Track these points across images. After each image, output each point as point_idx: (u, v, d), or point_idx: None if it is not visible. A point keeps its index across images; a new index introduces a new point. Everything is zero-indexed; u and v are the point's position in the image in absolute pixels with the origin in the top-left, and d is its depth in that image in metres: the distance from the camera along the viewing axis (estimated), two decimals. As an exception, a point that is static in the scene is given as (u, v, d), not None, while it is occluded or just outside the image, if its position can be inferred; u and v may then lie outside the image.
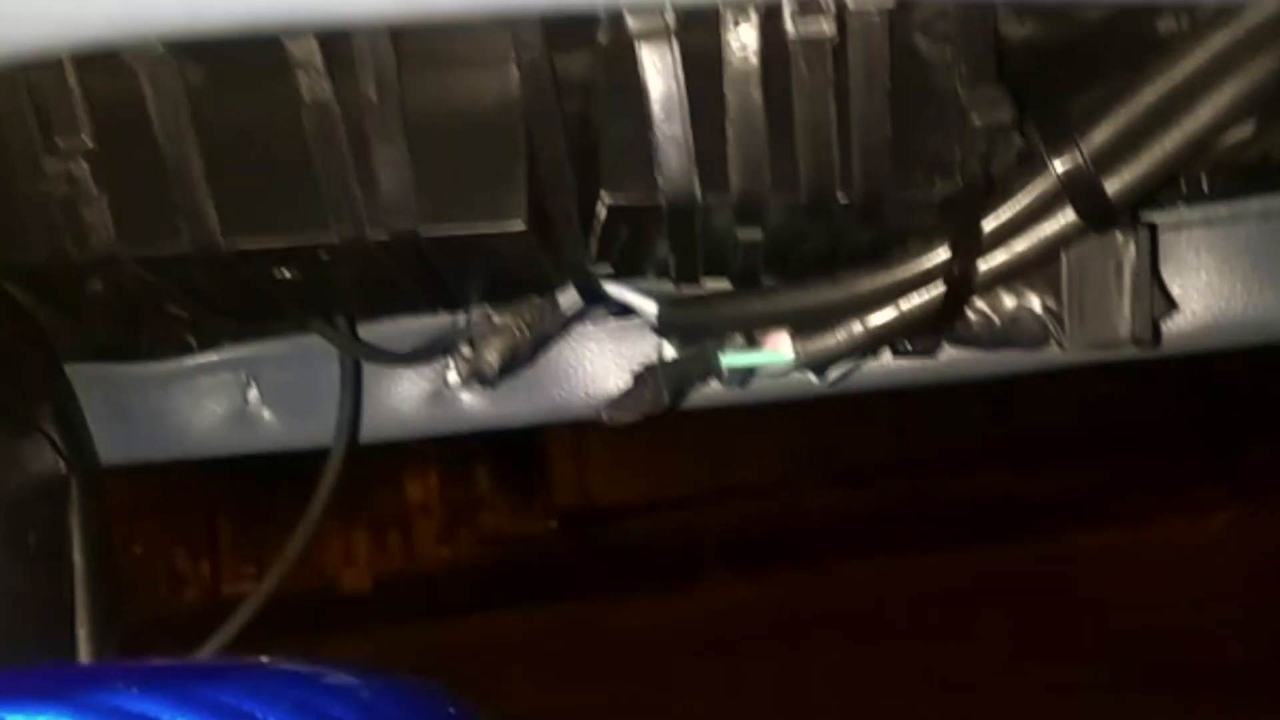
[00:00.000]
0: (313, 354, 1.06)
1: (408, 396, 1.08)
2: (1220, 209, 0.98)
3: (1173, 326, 0.99)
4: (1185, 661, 5.45)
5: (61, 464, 1.00)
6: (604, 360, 0.97)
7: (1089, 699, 5.36)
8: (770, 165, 0.71)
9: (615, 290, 0.85)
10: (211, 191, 0.72)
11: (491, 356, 0.83)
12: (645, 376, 0.81)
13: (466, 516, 13.38)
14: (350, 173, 0.72)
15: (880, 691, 5.88)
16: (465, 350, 0.85)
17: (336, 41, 0.68)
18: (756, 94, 0.69)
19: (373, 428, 1.08)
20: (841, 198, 0.72)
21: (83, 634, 0.96)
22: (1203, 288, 0.99)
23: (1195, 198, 0.97)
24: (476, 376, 0.86)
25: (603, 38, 0.70)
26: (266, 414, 1.12)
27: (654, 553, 10.31)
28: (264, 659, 0.74)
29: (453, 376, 0.89)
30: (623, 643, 7.80)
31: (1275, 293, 0.99)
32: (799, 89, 0.69)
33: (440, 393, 1.08)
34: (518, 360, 0.87)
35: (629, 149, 0.71)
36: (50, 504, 0.97)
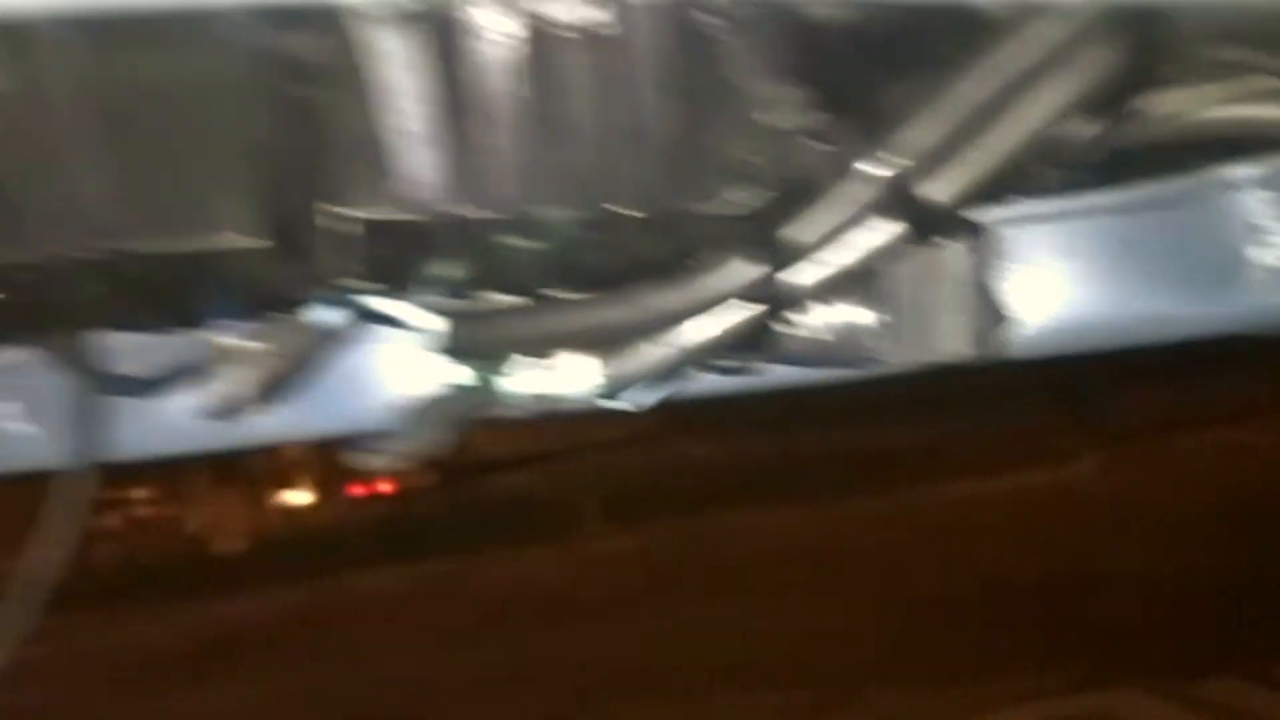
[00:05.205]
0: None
1: (181, 409, 0.96)
2: (1071, 203, 0.90)
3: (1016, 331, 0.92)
4: (1051, 608, 5.54)
5: None
6: (386, 374, 0.87)
7: (956, 648, 5.43)
8: (544, 173, 0.61)
9: (384, 306, 0.74)
10: None
11: (248, 388, 0.72)
12: (422, 415, 0.70)
13: (343, 472, 13.11)
14: (44, 181, 0.60)
15: (753, 646, 5.90)
16: (219, 380, 0.74)
17: (17, 33, 0.56)
18: (521, 90, 0.58)
19: (143, 443, 0.96)
20: (629, 210, 0.62)
21: None
22: (1047, 289, 0.92)
23: (1043, 191, 0.89)
24: (233, 408, 0.74)
25: (335, 27, 0.59)
26: (26, 429, 0.99)
27: (533, 505, 10.26)
28: None
29: (207, 402, 0.77)
30: (500, 598, 7.74)
31: (1128, 293, 0.92)
32: (573, 85, 0.59)
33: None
34: (278, 386, 0.76)
35: (372, 153, 0.60)
36: None
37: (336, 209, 0.61)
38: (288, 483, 12.75)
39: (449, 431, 0.73)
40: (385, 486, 12.51)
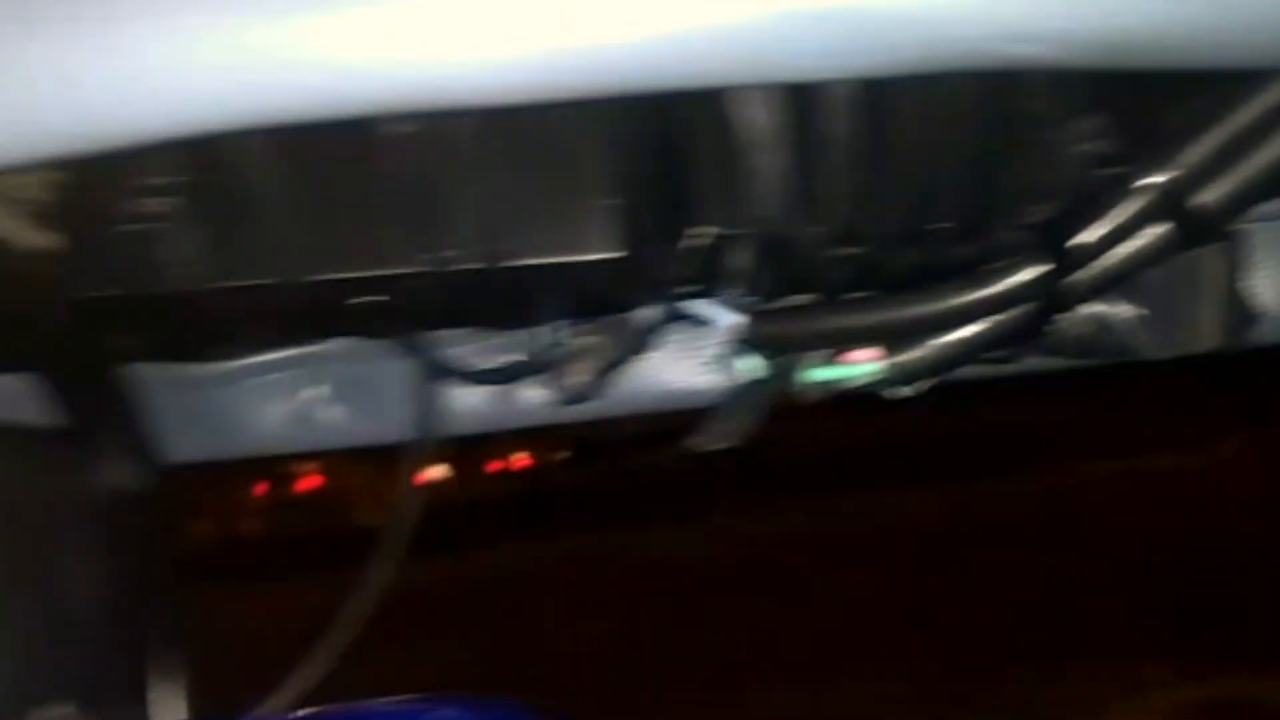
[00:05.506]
0: (378, 349, 1.06)
1: (479, 393, 1.08)
2: None
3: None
4: (1191, 593, 5.44)
5: (125, 475, 1.01)
6: (675, 366, 0.98)
7: (1094, 631, 5.36)
8: (866, 194, 0.71)
9: (701, 308, 0.85)
10: (299, 226, 0.72)
11: (589, 377, 0.84)
12: (735, 401, 0.81)
13: (480, 447, 13.40)
14: (442, 204, 0.72)
15: (890, 625, 5.88)
16: (561, 371, 0.86)
17: None
18: (851, 124, 0.68)
19: (449, 424, 1.09)
20: (937, 225, 0.72)
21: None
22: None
23: None
24: (575, 396, 0.86)
25: None
26: (334, 410, 1.12)
27: (666, 483, 10.28)
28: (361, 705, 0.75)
29: (542, 392, 0.89)
30: (633, 575, 7.79)
31: None
32: (895, 118, 0.69)
33: (509, 390, 1.08)
34: (612, 375, 0.88)
35: (723, 178, 0.71)
36: (114, 513, 0.99)
37: (693, 227, 0.72)
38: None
39: (750, 419, 0.84)
40: (522, 463, 12.75)
